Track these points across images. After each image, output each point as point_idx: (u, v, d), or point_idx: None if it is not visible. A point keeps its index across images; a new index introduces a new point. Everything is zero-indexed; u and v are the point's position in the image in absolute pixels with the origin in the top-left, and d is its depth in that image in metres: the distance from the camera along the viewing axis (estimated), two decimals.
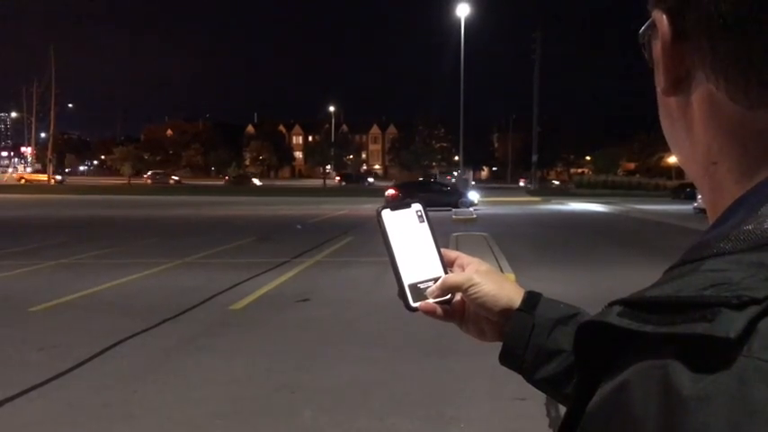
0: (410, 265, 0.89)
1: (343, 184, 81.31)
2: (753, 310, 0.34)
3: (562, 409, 2.65)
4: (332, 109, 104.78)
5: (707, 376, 0.33)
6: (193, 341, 6.70)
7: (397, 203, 0.92)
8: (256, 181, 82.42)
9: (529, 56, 60.32)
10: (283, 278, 10.55)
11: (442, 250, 0.92)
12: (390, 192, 33.68)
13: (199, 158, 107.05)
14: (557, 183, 78.83)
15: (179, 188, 60.74)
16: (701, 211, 25.69)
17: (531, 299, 0.85)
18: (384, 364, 5.94)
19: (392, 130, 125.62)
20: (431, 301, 0.88)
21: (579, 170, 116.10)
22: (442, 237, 12.94)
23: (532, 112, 60.47)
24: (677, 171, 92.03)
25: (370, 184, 76.16)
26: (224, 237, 16.87)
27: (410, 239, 0.90)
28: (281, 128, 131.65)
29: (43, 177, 70.03)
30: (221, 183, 77.96)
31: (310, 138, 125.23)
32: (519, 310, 0.84)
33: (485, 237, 16.06)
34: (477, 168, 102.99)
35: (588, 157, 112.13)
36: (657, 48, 0.49)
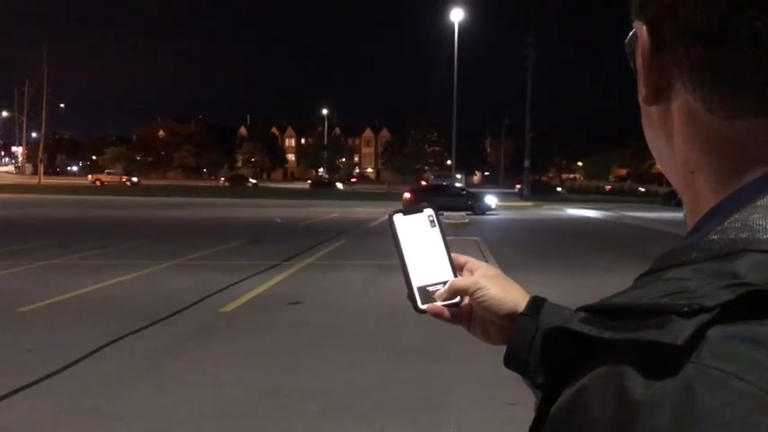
0: (420, 268, 0.91)
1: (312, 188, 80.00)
2: (702, 318, 0.34)
3: None
4: (325, 112, 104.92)
5: (656, 382, 0.34)
6: (183, 343, 6.68)
7: (410, 208, 0.94)
8: (253, 180, 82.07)
9: (522, 61, 60.48)
10: (274, 281, 10.53)
11: (453, 254, 0.94)
12: (407, 195, 33.62)
13: (191, 160, 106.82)
14: (560, 189, 78.89)
15: (173, 189, 60.49)
16: None
17: (536, 303, 0.87)
18: (375, 368, 5.93)
19: (385, 133, 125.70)
20: (439, 303, 0.90)
21: (571, 176, 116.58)
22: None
23: (525, 118, 60.61)
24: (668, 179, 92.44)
25: (339, 189, 74.33)
26: (215, 238, 16.82)
27: (421, 243, 0.92)
28: (274, 130, 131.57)
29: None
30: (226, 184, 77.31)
31: (303, 140, 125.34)
32: (523, 314, 0.86)
33: (476, 241, 16.10)
34: (470, 173, 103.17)
35: (580, 163, 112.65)
36: (638, 58, 0.50)
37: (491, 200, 34.03)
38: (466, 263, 0.94)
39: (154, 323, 7.42)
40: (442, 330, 7.89)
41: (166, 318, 7.71)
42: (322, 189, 71.39)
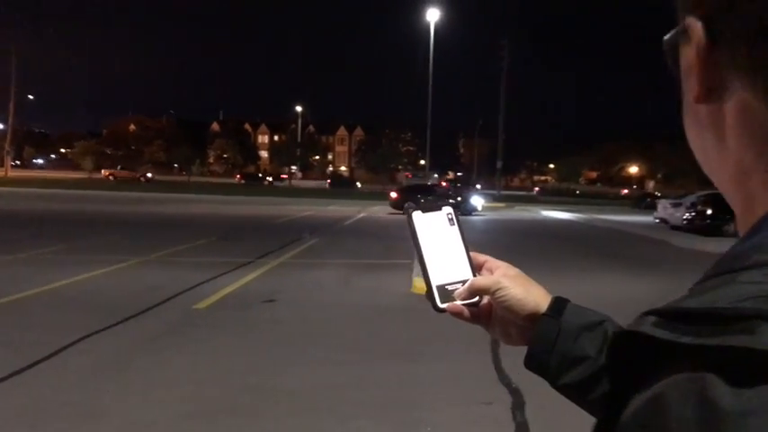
0: (439, 267, 0.90)
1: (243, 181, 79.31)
2: None
3: (528, 414, 2.76)
4: (299, 109, 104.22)
5: (747, 390, 0.33)
6: (156, 340, 6.61)
7: (429, 205, 0.93)
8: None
9: (496, 63, 60.82)
10: (248, 278, 10.46)
11: (472, 253, 0.93)
12: (393, 194, 33.70)
13: (161, 155, 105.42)
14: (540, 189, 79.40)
15: (144, 185, 59.67)
16: (663, 221, 26.26)
17: (559, 304, 0.86)
18: (351, 366, 5.93)
19: (359, 132, 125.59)
20: (458, 302, 0.89)
21: (542, 177, 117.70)
22: (405, 241, 13.01)
23: (499, 119, 60.97)
24: (638, 181, 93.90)
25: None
26: (187, 235, 16.66)
27: (440, 241, 0.92)
28: (247, 126, 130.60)
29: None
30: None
31: (276, 137, 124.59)
32: (546, 314, 0.85)
33: None
34: (443, 173, 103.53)
35: (552, 165, 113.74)
36: (689, 55, 0.49)
37: (477, 201, 34.17)
38: (485, 262, 0.93)
39: (127, 319, 7.33)
40: (418, 329, 7.91)
41: (139, 314, 7.62)
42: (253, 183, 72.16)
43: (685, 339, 0.36)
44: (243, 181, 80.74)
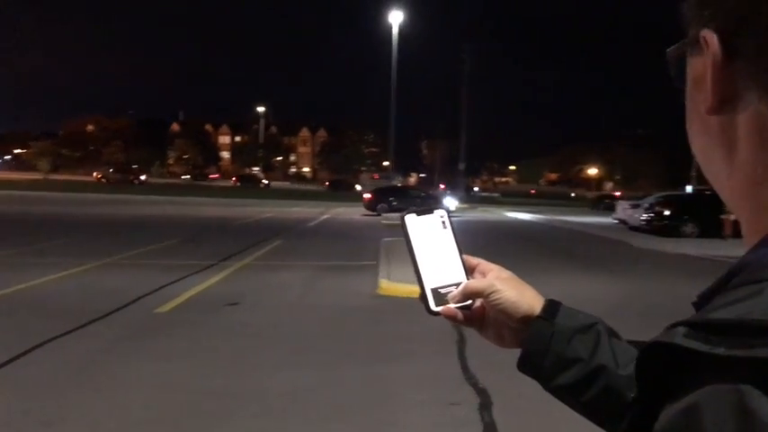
0: (432, 270, 0.90)
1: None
2: None
3: (495, 414, 2.76)
4: (261, 109, 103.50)
5: None
6: (118, 345, 6.48)
7: (422, 209, 0.93)
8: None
9: (458, 65, 61.20)
10: (211, 281, 10.33)
11: (464, 256, 0.93)
12: (367, 195, 33.81)
13: (120, 156, 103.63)
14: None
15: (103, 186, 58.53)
16: (622, 221, 26.75)
17: (552, 307, 0.86)
18: (317, 369, 5.89)
19: (322, 133, 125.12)
20: (452, 305, 0.89)
21: (504, 179, 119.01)
22: (373, 242, 12.89)
23: (461, 121, 61.38)
24: (596, 183, 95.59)
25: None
26: (148, 237, 16.40)
27: (433, 245, 0.91)
28: (208, 127, 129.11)
29: None
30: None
31: (238, 138, 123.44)
32: (539, 317, 0.85)
33: None
34: (406, 174, 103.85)
35: (512, 167, 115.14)
36: (701, 66, 0.50)
37: (450, 202, 34.32)
38: (478, 265, 0.93)
39: (86, 324, 7.17)
40: (384, 330, 7.88)
41: (100, 318, 7.46)
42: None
43: (720, 350, 0.36)
44: (239, 184, 79.41)
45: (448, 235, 0.93)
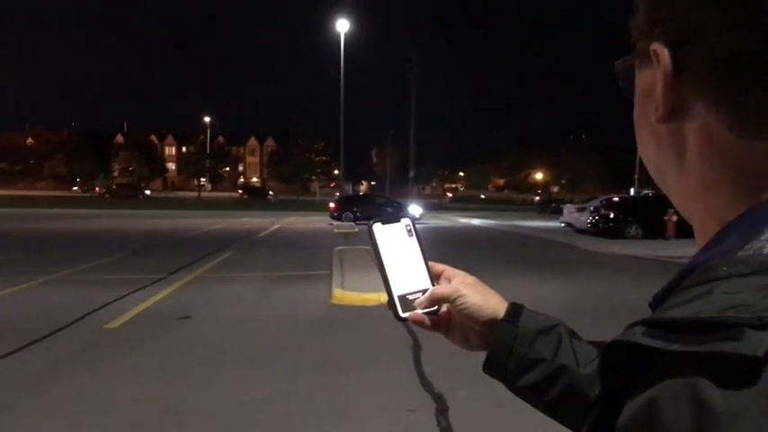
0: (400, 277, 0.92)
1: (107, 196, 74.31)
2: None
3: (452, 419, 2.82)
4: (207, 119, 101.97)
5: (736, 392, 0.36)
6: (66, 364, 6.31)
7: (388, 218, 0.96)
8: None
9: (405, 74, 61.58)
10: (161, 295, 10.15)
11: (430, 263, 0.96)
12: (332, 205, 33.71)
13: (62, 169, 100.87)
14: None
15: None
16: (569, 225, 27.31)
17: (515, 310, 0.90)
18: (273, 381, 5.85)
19: (270, 142, 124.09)
20: (419, 311, 0.92)
21: (453, 185, 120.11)
22: (326, 251, 12.87)
23: (410, 129, 61.75)
24: (543, 187, 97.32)
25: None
26: (95, 252, 16.01)
27: (400, 252, 0.94)
28: (153, 138, 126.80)
29: None
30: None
31: (184, 149, 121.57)
32: (503, 320, 0.89)
33: (368, 250, 16.21)
34: (357, 182, 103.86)
35: (461, 173, 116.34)
36: (650, 78, 0.53)
37: (415, 210, 34.31)
38: (443, 271, 0.96)
39: (31, 343, 6.96)
40: (339, 340, 7.87)
41: (45, 337, 7.25)
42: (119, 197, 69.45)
43: (675, 347, 0.39)
44: (245, 196, 78.07)
45: (414, 243, 0.96)
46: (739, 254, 0.44)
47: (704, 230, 0.52)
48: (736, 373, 0.36)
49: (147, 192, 72.93)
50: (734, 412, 0.35)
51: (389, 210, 31.88)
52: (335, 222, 31.25)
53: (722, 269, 0.43)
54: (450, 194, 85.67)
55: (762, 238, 0.44)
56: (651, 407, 0.39)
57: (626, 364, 0.43)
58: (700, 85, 0.49)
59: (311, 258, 15.49)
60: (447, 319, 0.94)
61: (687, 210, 0.55)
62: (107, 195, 69.05)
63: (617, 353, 0.44)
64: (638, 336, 0.42)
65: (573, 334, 0.91)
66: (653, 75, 0.52)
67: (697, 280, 0.45)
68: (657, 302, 0.49)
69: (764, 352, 0.35)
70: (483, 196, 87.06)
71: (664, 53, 0.50)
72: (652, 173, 0.58)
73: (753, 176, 0.48)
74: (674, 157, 0.54)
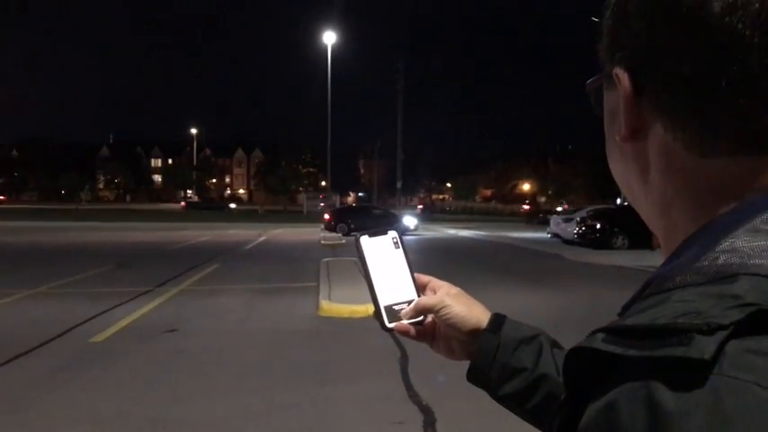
0: (386, 288, 0.95)
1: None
2: (721, 335, 0.39)
3: (439, 430, 2.83)
4: (194, 131, 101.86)
5: (686, 393, 0.38)
6: (51, 377, 6.25)
7: (375, 230, 0.98)
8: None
9: (392, 85, 61.79)
10: (147, 308, 10.09)
11: (416, 275, 0.98)
12: (326, 216, 33.68)
13: (48, 181, 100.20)
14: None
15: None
16: (556, 235, 27.43)
17: (497, 320, 0.93)
18: (260, 394, 5.82)
19: (257, 154, 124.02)
20: (405, 321, 0.94)
21: (440, 196, 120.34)
22: (313, 263, 12.84)
23: (396, 140, 61.91)
24: (530, 198, 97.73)
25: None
26: (80, 265, 15.89)
27: (386, 264, 0.96)
28: (139, 150, 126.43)
29: None
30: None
31: (171, 160, 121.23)
32: (486, 330, 0.92)
33: (355, 262, 16.20)
34: (344, 193, 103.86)
35: (449, 184, 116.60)
36: (614, 99, 0.56)
37: (410, 221, 34.23)
38: (428, 282, 0.99)
39: (16, 357, 6.90)
40: (326, 352, 7.85)
41: (31, 351, 7.19)
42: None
43: (631, 352, 0.41)
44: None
45: (400, 255, 0.98)
46: (696, 264, 0.46)
47: (668, 243, 0.55)
48: (687, 375, 0.38)
49: (232, 205, 74.53)
50: (685, 411, 0.37)
51: (388, 220, 31.92)
52: (325, 234, 31.20)
53: (678, 279, 0.46)
54: (420, 206, 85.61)
55: (717, 249, 0.46)
56: (609, 409, 0.41)
57: (587, 368, 0.45)
58: (658, 106, 0.51)
59: (298, 270, 15.46)
60: (432, 330, 0.97)
61: (654, 224, 0.58)
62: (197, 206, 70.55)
63: (579, 358, 0.46)
64: (598, 342, 0.44)
65: (554, 344, 0.94)
66: (616, 96, 0.55)
67: (655, 290, 0.48)
68: (624, 311, 0.51)
69: (711, 355, 0.38)
70: (471, 207, 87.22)
71: (624, 77, 0.53)
72: (621, 188, 0.61)
73: (709, 192, 0.51)
74: (639, 173, 0.56)
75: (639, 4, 0.52)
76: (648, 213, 0.58)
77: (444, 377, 5.59)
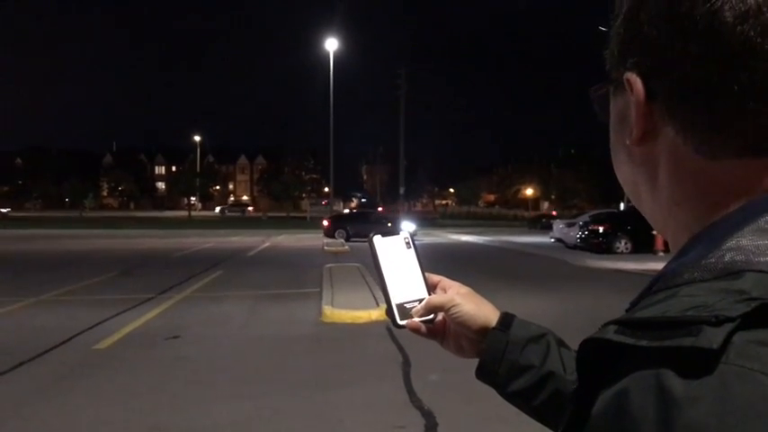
0: (398, 287, 0.98)
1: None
2: (728, 326, 0.41)
3: None
4: (197, 138, 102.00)
5: (695, 380, 0.41)
6: (55, 384, 6.27)
7: (388, 231, 1.01)
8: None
9: (395, 91, 61.89)
10: (150, 315, 10.11)
11: (426, 274, 1.01)
12: (325, 222, 33.88)
13: (52, 189, 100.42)
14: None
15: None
16: (559, 240, 27.38)
17: (506, 319, 0.96)
18: (262, 400, 5.83)
19: (261, 160, 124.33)
20: (416, 319, 0.97)
21: (443, 201, 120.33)
22: (315, 269, 12.85)
23: (399, 146, 62.01)
24: (533, 203, 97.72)
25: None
26: (85, 271, 15.94)
27: (398, 263, 0.99)
28: (143, 157, 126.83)
29: None
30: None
31: (174, 168, 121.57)
32: (495, 328, 0.95)
33: (358, 267, 16.21)
34: (347, 199, 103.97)
35: (452, 189, 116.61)
36: (622, 104, 0.58)
37: (409, 227, 34.26)
38: (439, 281, 1.02)
39: (20, 365, 6.91)
40: (328, 358, 7.85)
41: (34, 358, 7.21)
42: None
43: (642, 342, 0.44)
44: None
45: (411, 254, 1.01)
46: (702, 261, 0.49)
47: (676, 243, 0.57)
48: (695, 364, 0.41)
49: (250, 208, 75.50)
50: (693, 398, 0.40)
51: (388, 224, 31.90)
52: (328, 240, 31.23)
53: (686, 275, 0.49)
54: (438, 213, 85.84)
55: (723, 247, 0.49)
56: (621, 396, 0.43)
57: (599, 359, 0.47)
58: (669, 110, 0.53)
59: (301, 276, 15.47)
60: (442, 328, 1.00)
61: (661, 226, 0.60)
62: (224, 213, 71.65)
63: (591, 349, 0.48)
64: (611, 333, 0.46)
65: (561, 343, 0.97)
66: (626, 101, 0.57)
67: (663, 285, 0.50)
68: (632, 307, 0.53)
69: (719, 345, 0.40)
70: (474, 212, 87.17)
71: (637, 82, 0.55)
72: (627, 191, 0.63)
73: (717, 193, 0.53)
74: (647, 176, 0.58)
75: (652, 13, 0.53)
76: (655, 214, 0.60)
77: (446, 382, 5.59)
